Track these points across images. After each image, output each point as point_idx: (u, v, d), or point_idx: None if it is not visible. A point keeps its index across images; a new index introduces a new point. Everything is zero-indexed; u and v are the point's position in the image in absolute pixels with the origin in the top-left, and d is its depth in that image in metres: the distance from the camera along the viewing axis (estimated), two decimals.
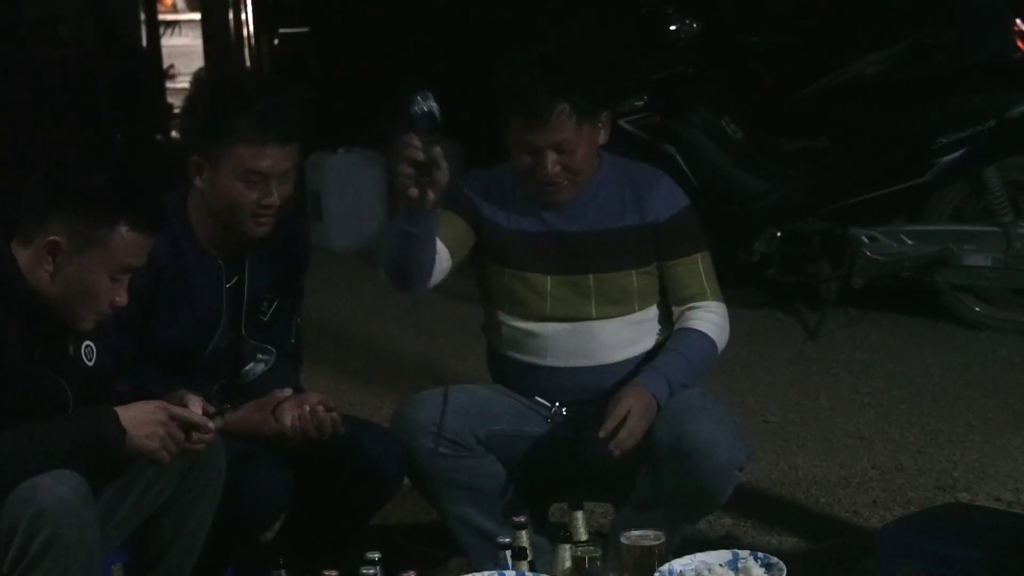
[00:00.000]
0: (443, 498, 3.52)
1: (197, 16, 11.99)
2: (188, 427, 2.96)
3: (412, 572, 2.90)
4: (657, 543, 3.01)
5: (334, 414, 3.33)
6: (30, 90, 8.72)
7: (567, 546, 3.07)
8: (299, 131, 3.31)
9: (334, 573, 2.89)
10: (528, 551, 3.05)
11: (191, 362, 3.38)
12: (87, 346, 3.03)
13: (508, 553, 3.02)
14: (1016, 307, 6.07)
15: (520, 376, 3.59)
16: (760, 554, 3.00)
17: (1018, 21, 6.23)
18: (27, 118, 8.52)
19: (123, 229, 2.90)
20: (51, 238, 2.88)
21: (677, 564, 2.97)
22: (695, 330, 3.52)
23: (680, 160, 6.15)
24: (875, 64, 6.25)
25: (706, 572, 2.96)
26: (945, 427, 4.92)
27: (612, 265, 3.51)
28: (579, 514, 3.15)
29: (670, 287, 3.57)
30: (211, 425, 3.00)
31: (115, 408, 2.89)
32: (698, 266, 3.56)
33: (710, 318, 3.54)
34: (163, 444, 2.91)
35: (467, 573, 3.10)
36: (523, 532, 3.06)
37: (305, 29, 10.43)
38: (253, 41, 10.94)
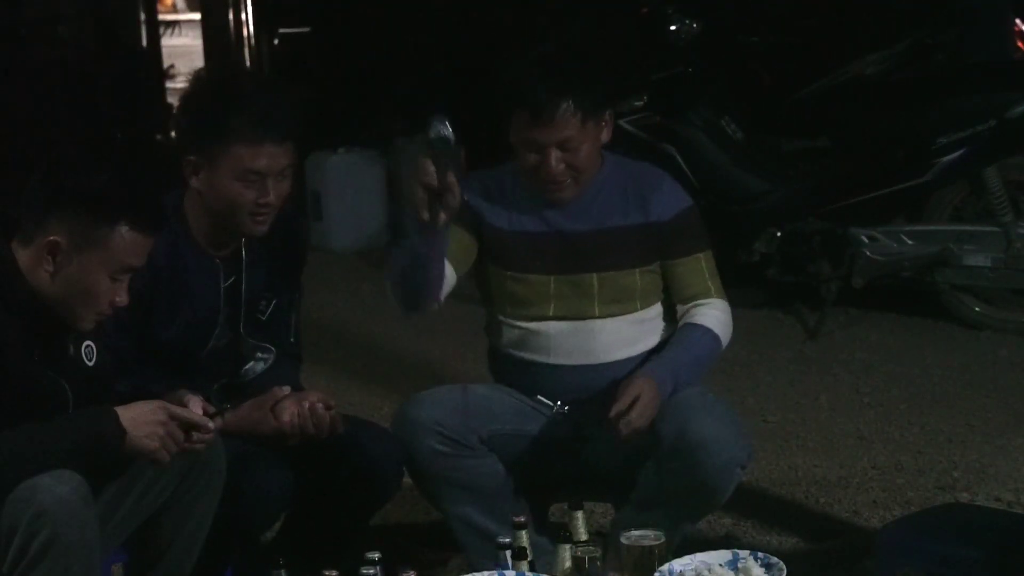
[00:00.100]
0: (444, 497, 3.52)
1: (197, 16, 11.97)
2: (188, 427, 2.96)
3: (412, 572, 2.90)
4: (657, 543, 3.00)
5: (333, 412, 3.34)
6: (30, 90, 8.71)
7: (567, 546, 3.07)
8: (296, 128, 3.31)
9: (334, 573, 2.88)
10: (528, 551, 3.05)
11: (190, 362, 3.37)
12: (87, 346, 3.03)
13: (508, 553, 3.02)
14: (1016, 307, 6.07)
15: (522, 374, 3.59)
16: (760, 554, 3.00)
17: (1018, 21, 6.23)
18: (27, 118, 8.51)
19: (123, 229, 2.90)
20: (51, 238, 2.88)
21: (677, 564, 2.97)
22: (701, 325, 3.54)
23: (680, 160, 6.15)
24: (875, 64, 6.25)
25: (706, 572, 2.96)
26: (945, 427, 4.92)
27: (615, 264, 3.52)
28: (579, 514, 3.15)
29: (674, 286, 3.58)
30: (211, 425, 3.00)
31: (115, 408, 2.89)
32: (702, 265, 3.58)
33: (715, 315, 3.56)
34: (163, 444, 2.91)
35: (467, 573, 3.10)
36: (523, 532, 3.06)
37: (305, 29, 10.42)
38: (253, 41, 10.93)
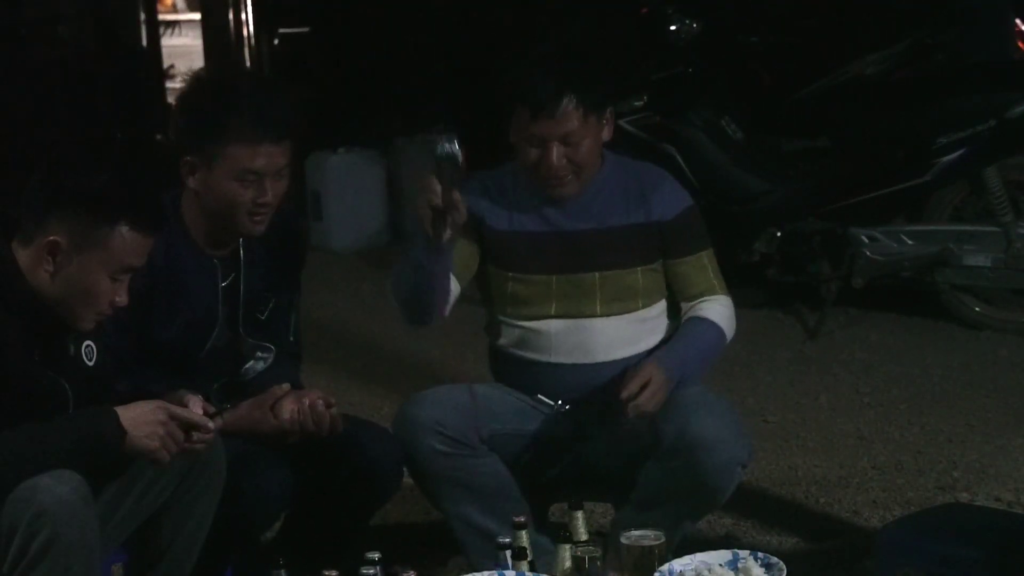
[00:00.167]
0: (444, 497, 3.52)
1: (197, 16, 11.96)
2: (188, 427, 2.96)
3: (412, 572, 2.90)
4: (657, 543, 3.00)
5: (333, 411, 3.34)
6: (30, 90, 8.71)
7: (567, 546, 3.07)
8: (293, 127, 3.31)
9: (334, 573, 2.88)
10: (528, 551, 3.05)
11: (190, 361, 3.37)
12: (87, 346, 3.03)
13: (508, 553, 3.02)
14: (1016, 307, 6.07)
15: (523, 373, 3.59)
16: (760, 554, 3.00)
17: (1018, 21, 6.23)
18: (27, 118, 8.51)
19: (123, 229, 2.90)
20: (51, 238, 2.88)
21: (677, 564, 2.97)
22: (706, 319, 3.55)
23: (680, 160, 6.15)
24: (875, 64, 6.24)
25: (706, 572, 2.96)
26: (945, 427, 4.92)
27: (617, 263, 3.52)
28: (579, 514, 3.15)
29: (678, 285, 3.59)
30: (211, 425, 3.00)
31: (115, 408, 2.89)
32: (705, 263, 3.60)
33: (720, 310, 3.58)
34: (163, 444, 2.91)
35: (467, 573, 3.10)
36: (523, 532, 3.06)
37: (305, 29, 10.42)
38: (253, 41, 10.92)
